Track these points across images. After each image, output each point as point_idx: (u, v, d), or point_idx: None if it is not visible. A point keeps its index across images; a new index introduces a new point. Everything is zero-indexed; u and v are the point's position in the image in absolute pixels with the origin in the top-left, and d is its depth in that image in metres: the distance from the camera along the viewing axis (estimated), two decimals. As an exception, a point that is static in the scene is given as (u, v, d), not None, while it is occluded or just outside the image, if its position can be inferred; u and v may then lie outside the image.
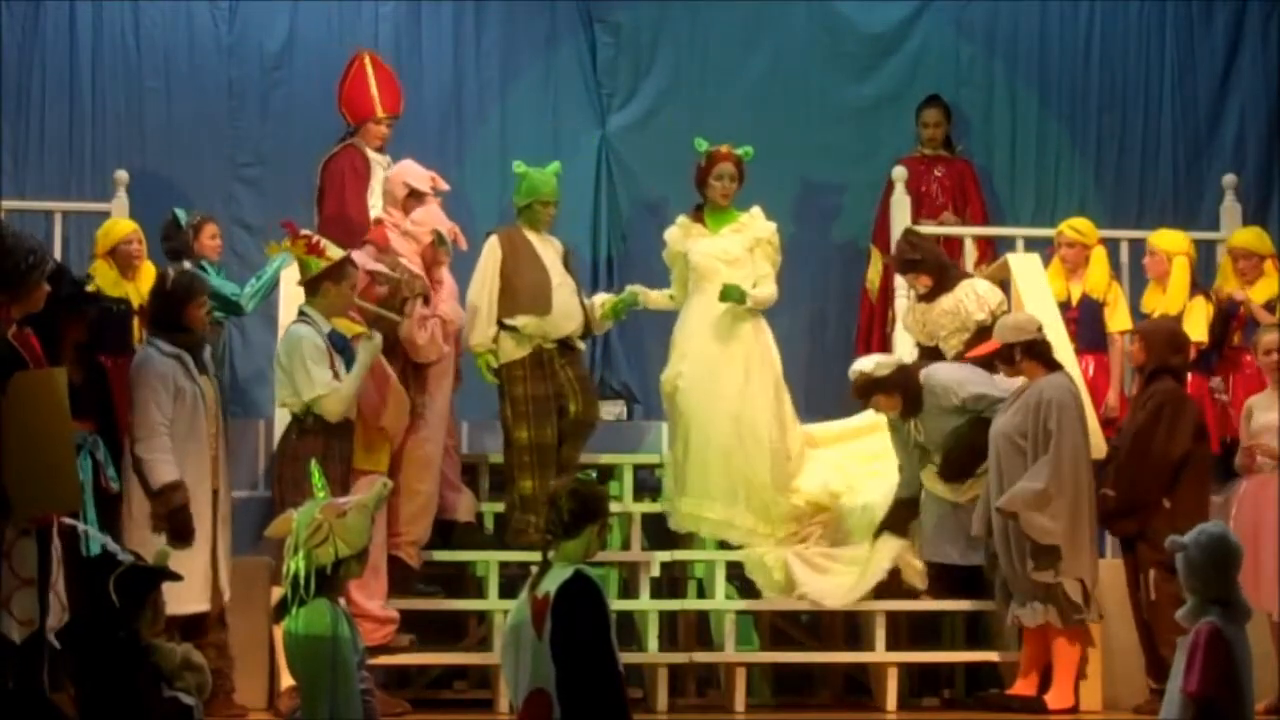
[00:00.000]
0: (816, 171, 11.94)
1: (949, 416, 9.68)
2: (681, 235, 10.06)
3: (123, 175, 10.73)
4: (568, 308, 9.82)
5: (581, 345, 10.03)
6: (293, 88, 11.73)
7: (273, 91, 11.73)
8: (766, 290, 9.93)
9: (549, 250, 9.91)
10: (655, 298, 10.22)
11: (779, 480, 9.86)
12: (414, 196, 9.88)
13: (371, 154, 10.50)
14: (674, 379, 9.90)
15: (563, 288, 9.82)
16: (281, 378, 9.02)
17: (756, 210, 10.05)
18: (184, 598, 7.88)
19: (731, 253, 9.91)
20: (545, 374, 9.76)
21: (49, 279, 7.79)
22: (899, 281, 10.88)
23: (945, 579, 9.85)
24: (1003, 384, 9.72)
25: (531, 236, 9.88)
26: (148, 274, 10.04)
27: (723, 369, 9.83)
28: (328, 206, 10.39)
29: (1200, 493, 9.53)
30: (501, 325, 9.77)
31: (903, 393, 9.78)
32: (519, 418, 9.73)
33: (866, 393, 9.88)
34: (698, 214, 10.08)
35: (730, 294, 9.79)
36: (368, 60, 10.61)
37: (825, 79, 12.11)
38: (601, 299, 10.17)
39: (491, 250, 9.84)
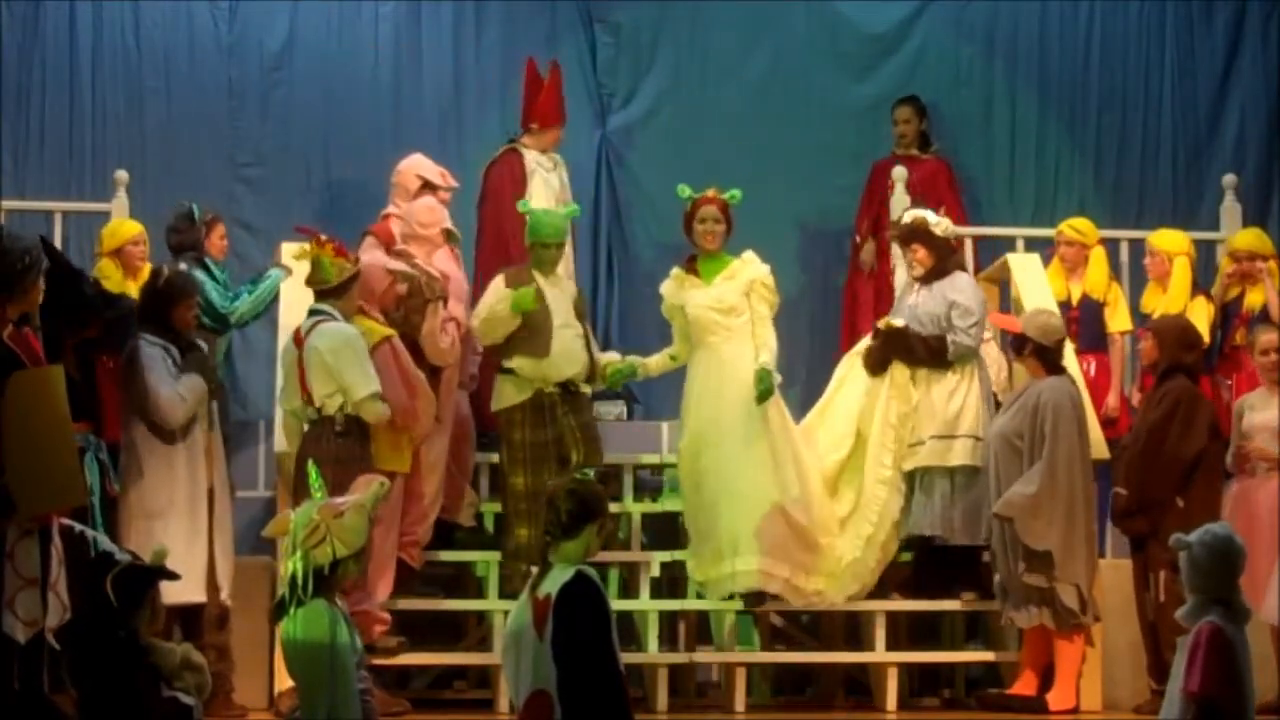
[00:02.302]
0: (816, 171, 11.93)
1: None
2: (676, 288, 9.72)
3: (123, 175, 10.73)
4: (569, 351, 9.55)
5: (586, 389, 9.77)
6: (293, 88, 11.73)
7: (273, 91, 11.72)
8: (769, 342, 9.57)
9: (557, 293, 9.62)
10: (655, 364, 9.91)
11: (819, 525, 9.64)
12: (427, 189, 9.98)
13: (537, 157, 10.54)
14: (694, 445, 9.55)
15: (565, 331, 9.56)
16: (322, 377, 8.92)
17: (749, 254, 9.74)
18: (177, 588, 7.79)
19: (726, 300, 9.56)
20: (545, 420, 9.49)
21: (62, 279, 7.84)
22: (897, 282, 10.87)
23: (941, 562, 9.84)
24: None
25: (539, 278, 9.58)
26: (148, 275, 10.05)
27: (739, 425, 9.47)
28: (486, 212, 10.40)
29: (1213, 492, 9.51)
30: (500, 369, 9.58)
31: (939, 257, 9.84)
32: (515, 464, 9.51)
33: (915, 237, 9.87)
34: (690, 265, 9.72)
35: (763, 386, 9.43)
36: (559, 71, 10.67)
37: (825, 79, 12.09)
38: (607, 359, 9.82)
39: (495, 286, 9.59)
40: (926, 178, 11.46)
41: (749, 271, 9.67)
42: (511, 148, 10.58)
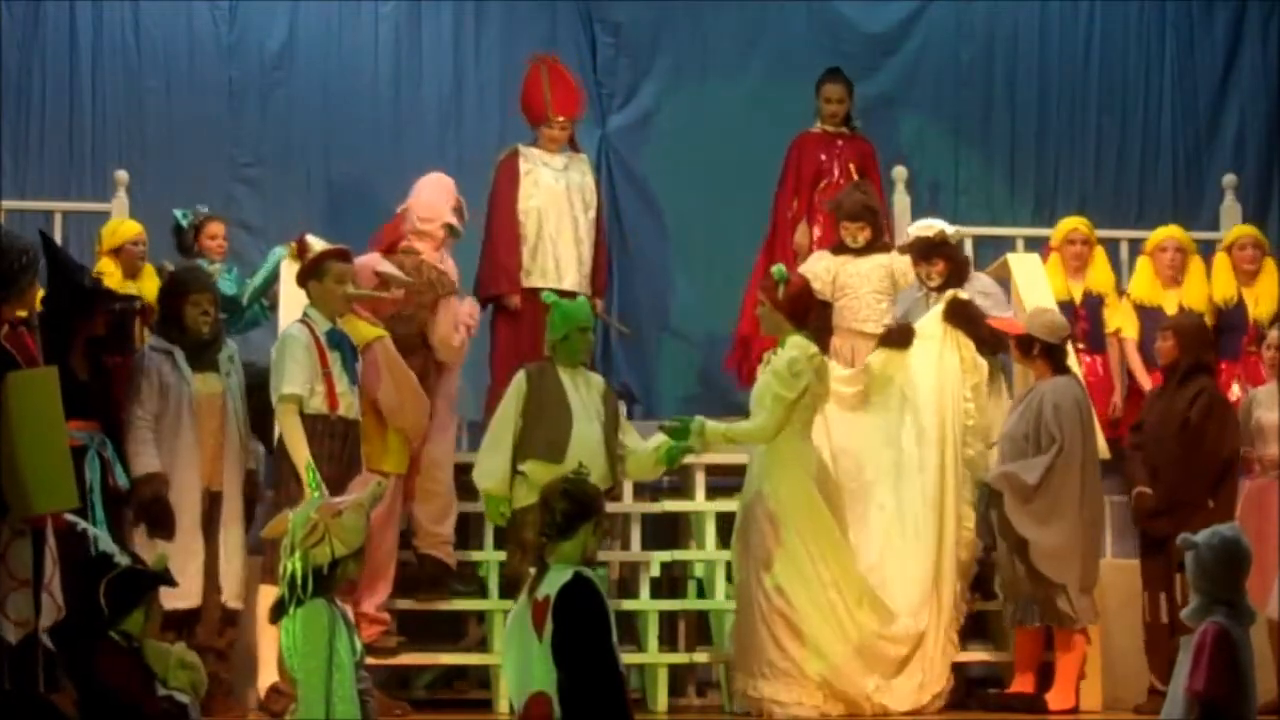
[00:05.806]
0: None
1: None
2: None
3: (123, 175, 10.74)
4: (587, 455, 8.50)
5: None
6: (293, 88, 11.73)
7: (273, 91, 11.72)
8: (756, 419, 8.99)
9: (583, 391, 8.96)
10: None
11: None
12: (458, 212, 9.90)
13: (544, 156, 10.50)
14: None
15: (587, 433, 8.84)
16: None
17: (794, 339, 9.14)
18: (172, 593, 7.79)
19: (758, 388, 9.10)
20: None
21: (64, 274, 7.83)
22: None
23: None
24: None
25: (564, 376, 8.94)
26: (148, 275, 10.07)
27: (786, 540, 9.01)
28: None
29: (1235, 492, 9.53)
30: (514, 469, 8.89)
31: (955, 265, 9.88)
32: (526, 564, 8.58)
33: (938, 252, 9.83)
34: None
35: (675, 441, 8.94)
36: (543, 66, 10.59)
37: (825, 79, 12.08)
38: (656, 443, 9.06)
39: (517, 386, 8.96)
40: (856, 157, 11.18)
41: (775, 360, 9.07)
42: (513, 149, 10.56)
